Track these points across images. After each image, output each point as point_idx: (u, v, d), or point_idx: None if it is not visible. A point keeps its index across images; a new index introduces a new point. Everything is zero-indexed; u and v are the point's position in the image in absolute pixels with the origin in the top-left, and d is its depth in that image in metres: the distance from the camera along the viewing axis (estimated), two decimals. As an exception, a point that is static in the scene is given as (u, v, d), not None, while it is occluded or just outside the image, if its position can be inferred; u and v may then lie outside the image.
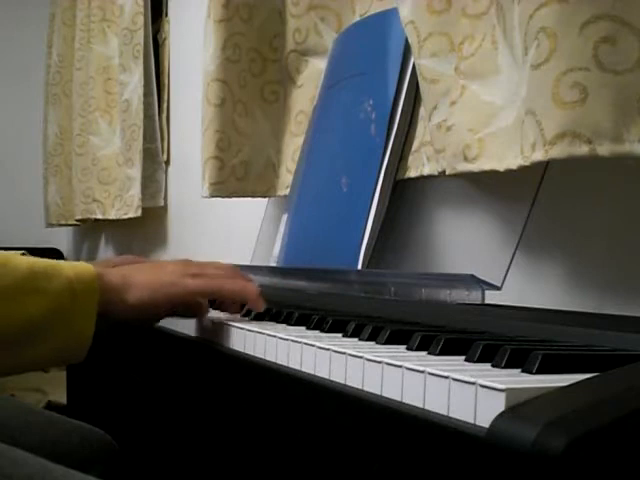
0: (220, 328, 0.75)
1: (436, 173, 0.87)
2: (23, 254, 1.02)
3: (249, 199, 1.38)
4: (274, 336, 0.63)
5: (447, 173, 0.84)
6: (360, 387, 0.50)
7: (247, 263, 1.28)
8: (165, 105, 2.14)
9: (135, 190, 2.09)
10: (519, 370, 0.45)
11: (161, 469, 0.97)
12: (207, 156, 1.34)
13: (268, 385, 0.64)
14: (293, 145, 1.30)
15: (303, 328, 0.69)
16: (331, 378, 0.54)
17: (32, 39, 2.90)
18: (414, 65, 0.90)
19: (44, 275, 0.64)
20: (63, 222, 2.69)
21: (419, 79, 0.88)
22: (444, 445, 0.41)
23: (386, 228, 0.92)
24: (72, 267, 0.67)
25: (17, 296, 0.62)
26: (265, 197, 1.38)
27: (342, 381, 0.53)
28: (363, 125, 0.98)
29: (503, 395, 0.38)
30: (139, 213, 2.08)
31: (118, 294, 0.70)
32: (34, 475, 0.62)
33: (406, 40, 0.91)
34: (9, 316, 0.62)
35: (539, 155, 0.68)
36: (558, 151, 0.66)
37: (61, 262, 0.69)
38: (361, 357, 0.51)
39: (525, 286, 0.86)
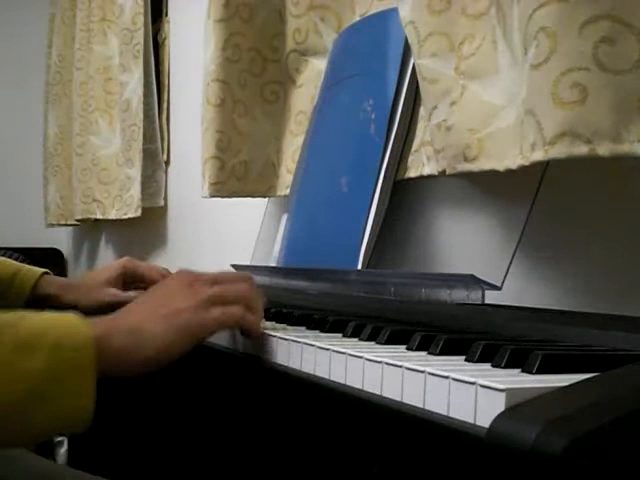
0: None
1: (436, 173, 0.87)
2: None
3: (249, 199, 1.38)
4: (274, 336, 0.63)
5: (447, 173, 0.84)
6: (360, 387, 0.50)
7: (247, 263, 1.28)
8: (165, 105, 2.14)
9: (135, 190, 2.09)
10: (519, 370, 0.45)
11: (162, 467, 0.97)
12: (207, 156, 1.34)
13: (268, 385, 0.64)
14: (293, 145, 1.30)
15: (303, 328, 0.69)
16: (331, 378, 0.54)
17: (32, 39, 2.89)
18: (414, 65, 0.90)
19: (28, 352, 0.56)
20: (63, 222, 2.69)
21: (419, 79, 0.88)
22: (444, 445, 0.41)
23: (386, 228, 0.92)
24: (65, 332, 0.57)
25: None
26: (265, 197, 1.38)
27: (342, 381, 0.53)
28: (363, 125, 0.98)
29: (503, 395, 0.39)
30: (139, 213, 2.08)
31: (128, 355, 0.61)
32: (29, 473, 0.61)
33: (406, 40, 0.91)
34: None
35: (539, 155, 0.68)
36: (558, 151, 0.66)
37: (56, 324, 0.58)
38: (361, 357, 0.51)
39: (525, 286, 0.86)
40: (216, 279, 0.68)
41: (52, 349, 0.56)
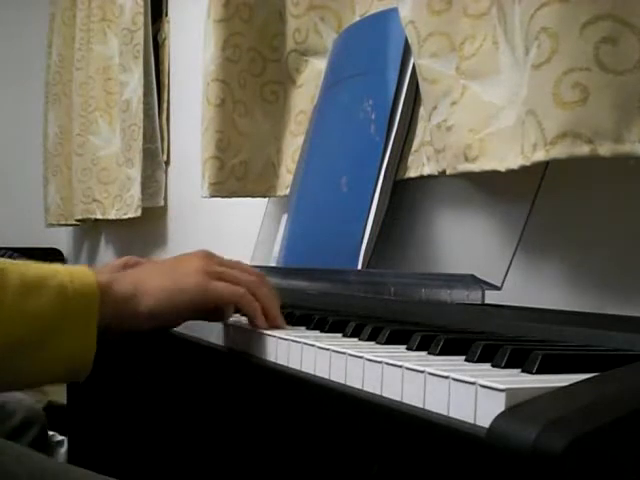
0: (216, 326, 0.74)
1: (436, 173, 0.87)
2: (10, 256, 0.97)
3: (249, 199, 1.38)
4: (274, 336, 0.63)
5: (447, 173, 0.83)
6: (360, 387, 0.50)
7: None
8: (165, 105, 2.14)
9: (135, 190, 2.09)
10: (519, 370, 0.45)
11: (162, 468, 0.97)
12: (207, 156, 1.34)
13: (267, 385, 0.64)
14: (293, 145, 1.30)
15: (303, 328, 0.69)
16: (331, 378, 0.54)
17: (32, 39, 2.89)
18: (414, 65, 0.90)
19: (35, 292, 0.58)
20: (63, 222, 2.69)
21: (419, 79, 0.88)
22: (444, 445, 0.41)
23: (386, 228, 0.92)
24: (70, 277, 0.60)
25: (3, 317, 0.56)
26: (265, 197, 1.38)
27: (342, 381, 0.52)
28: (363, 125, 0.98)
29: (503, 395, 0.38)
30: (139, 213, 2.08)
31: (129, 304, 0.63)
32: (34, 471, 0.62)
33: (406, 40, 0.91)
34: None
35: (540, 155, 0.68)
36: (559, 151, 0.66)
37: (60, 270, 0.61)
38: (361, 357, 0.51)
39: (525, 286, 0.86)
40: (231, 264, 0.70)
41: (57, 292, 0.58)
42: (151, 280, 0.65)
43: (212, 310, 0.68)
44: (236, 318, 0.77)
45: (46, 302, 0.58)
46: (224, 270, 0.68)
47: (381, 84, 0.97)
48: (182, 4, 2.08)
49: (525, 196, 0.75)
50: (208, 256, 0.69)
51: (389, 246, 0.92)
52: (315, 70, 1.28)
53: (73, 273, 0.61)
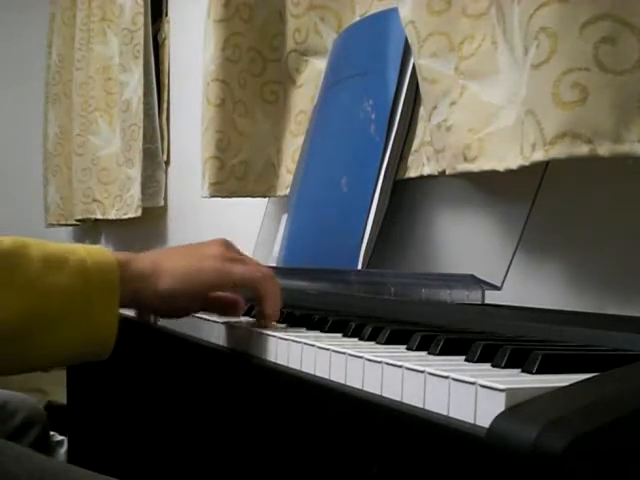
0: (217, 326, 0.74)
1: (436, 173, 0.87)
2: None
3: (249, 199, 1.38)
4: (274, 336, 0.63)
5: (447, 173, 0.84)
6: (360, 387, 0.50)
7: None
8: (165, 105, 2.14)
9: (135, 190, 2.09)
10: (519, 370, 0.45)
11: (163, 470, 0.97)
12: (207, 156, 1.34)
13: (268, 385, 0.64)
14: (293, 145, 1.30)
15: (303, 328, 0.69)
16: (331, 378, 0.54)
17: (32, 39, 2.89)
18: (414, 65, 0.90)
19: (56, 266, 0.59)
20: (63, 222, 2.69)
21: (419, 79, 0.88)
22: (444, 445, 0.41)
23: (386, 228, 0.92)
24: (89, 254, 0.61)
25: (27, 290, 0.57)
26: (265, 197, 1.38)
27: (342, 381, 0.53)
28: (363, 125, 0.98)
29: (503, 395, 0.38)
30: (139, 213, 2.08)
31: (148, 281, 0.63)
32: (34, 471, 0.62)
33: (406, 40, 0.91)
34: (16, 311, 0.56)
35: (539, 155, 0.68)
36: (558, 151, 0.66)
37: (78, 247, 0.63)
38: (361, 357, 0.51)
39: (525, 286, 0.86)
40: (245, 258, 0.71)
41: (78, 266, 0.59)
42: (170, 260, 0.66)
43: (226, 300, 0.70)
44: (237, 318, 0.77)
45: (67, 277, 0.59)
46: (243, 258, 0.70)
47: (381, 84, 0.97)
48: (182, 4, 2.08)
49: (525, 196, 0.75)
50: (226, 244, 0.71)
51: (389, 246, 0.92)
52: (315, 70, 1.28)
53: (90, 250, 0.62)
